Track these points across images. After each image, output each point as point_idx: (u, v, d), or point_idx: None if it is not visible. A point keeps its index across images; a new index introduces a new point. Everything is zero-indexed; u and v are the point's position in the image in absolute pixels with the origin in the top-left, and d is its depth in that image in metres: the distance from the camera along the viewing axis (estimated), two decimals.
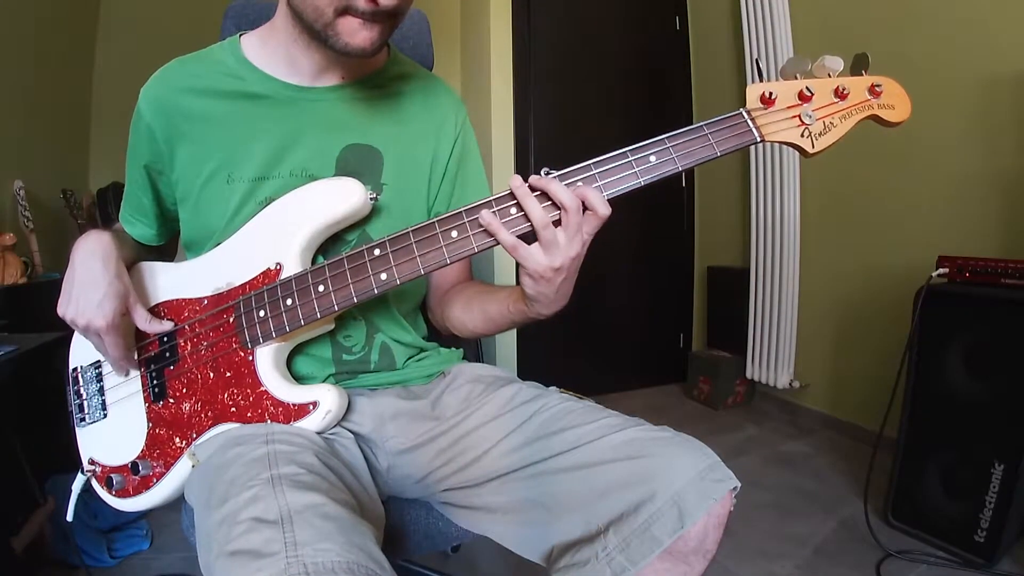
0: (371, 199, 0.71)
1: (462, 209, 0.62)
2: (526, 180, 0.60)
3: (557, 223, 0.60)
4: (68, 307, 0.67)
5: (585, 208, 0.59)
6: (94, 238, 0.70)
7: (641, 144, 0.60)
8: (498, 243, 0.61)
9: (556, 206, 0.59)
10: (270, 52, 0.74)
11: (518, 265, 0.62)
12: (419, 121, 0.80)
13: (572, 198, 0.58)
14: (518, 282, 0.67)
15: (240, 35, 0.77)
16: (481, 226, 0.61)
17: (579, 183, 0.60)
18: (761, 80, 0.62)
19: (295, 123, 0.74)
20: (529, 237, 0.61)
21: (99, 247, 0.69)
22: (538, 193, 0.60)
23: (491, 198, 0.62)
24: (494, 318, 0.75)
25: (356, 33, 0.63)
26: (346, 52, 0.65)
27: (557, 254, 0.60)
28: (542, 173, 0.60)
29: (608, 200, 0.60)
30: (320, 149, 0.74)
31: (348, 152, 0.75)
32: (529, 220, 0.59)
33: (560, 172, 0.60)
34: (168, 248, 0.87)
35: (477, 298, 0.78)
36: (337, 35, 0.64)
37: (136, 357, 0.73)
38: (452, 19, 2.65)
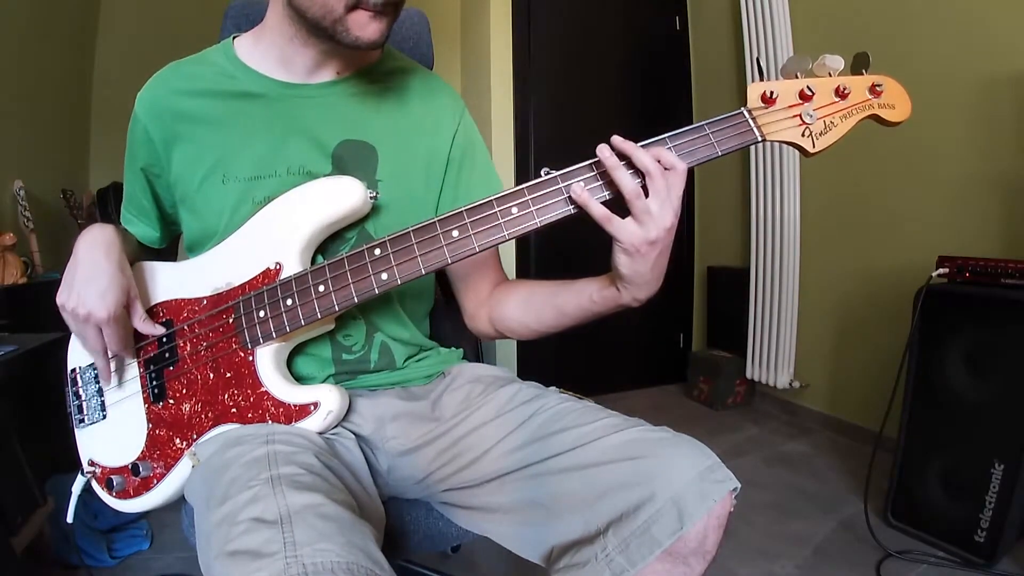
0: (371, 198, 0.71)
1: (463, 208, 0.62)
2: (527, 181, 0.60)
3: (645, 192, 0.58)
4: (69, 297, 0.66)
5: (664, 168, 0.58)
6: (98, 230, 0.70)
7: (643, 143, 0.60)
8: (574, 216, 0.60)
9: (637, 173, 0.58)
10: (263, 51, 0.74)
11: (612, 245, 0.61)
12: (414, 115, 0.80)
13: (652, 161, 0.57)
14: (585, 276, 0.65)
15: (233, 37, 0.78)
16: (482, 226, 0.61)
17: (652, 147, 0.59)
18: (762, 79, 0.62)
19: (289, 120, 0.74)
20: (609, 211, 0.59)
21: (103, 239, 0.69)
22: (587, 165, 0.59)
23: (500, 195, 0.61)
24: (569, 312, 0.72)
25: (366, 26, 0.64)
26: (356, 46, 0.65)
27: (651, 225, 0.58)
28: (542, 173, 0.60)
29: (610, 199, 0.60)
30: (315, 146, 0.74)
31: (343, 148, 0.75)
32: (616, 190, 0.58)
33: (561, 172, 0.60)
34: (168, 252, 0.87)
35: (540, 295, 0.75)
36: (347, 30, 0.64)
37: (137, 355, 0.73)
38: (452, 19, 2.65)
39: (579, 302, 0.70)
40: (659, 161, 0.58)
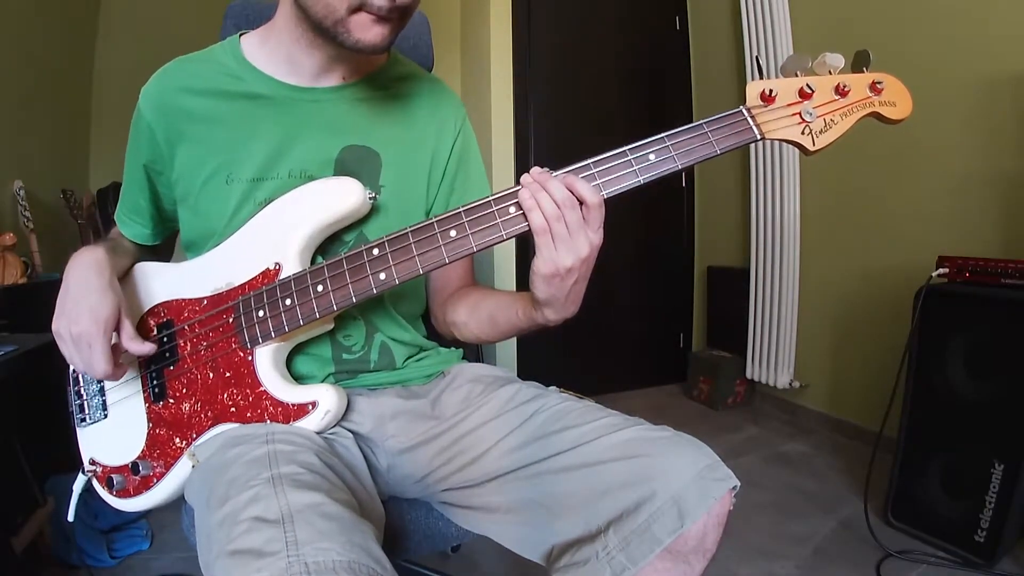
0: (370, 199, 0.71)
1: (461, 209, 0.62)
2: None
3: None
4: (61, 319, 0.65)
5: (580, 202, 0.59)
6: (87, 253, 0.70)
7: (641, 143, 0.60)
8: (516, 232, 0.61)
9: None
10: (270, 52, 0.74)
11: (530, 270, 0.62)
12: (419, 122, 0.80)
13: (563, 192, 0.58)
14: (524, 289, 0.65)
15: (240, 35, 0.77)
16: (480, 225, 0.61)
17: (565, 174, 0.60)
18: (761, 77, 0.62)
19: (294, 124, 0.74)
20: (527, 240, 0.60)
21: (92, 261, 0.69)
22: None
23: (497, 194, 0.62)
24: (500, 324, 0.74)
25: (368, 29, 0.63)
26: (357, 48, 0.64)
27: (566, 253, 0.59)
28: None
29: (608, 199, 0.60)
30: (318, 150, 0.74)
31: (346, 153, 0.75)
32: (541, 212, 0.59)
33: (559, 172, 0.60)
34: (163, 249, 0.87)
35: (483, 303, 0.77)
36: (348, 32, 0.63)
37: (131, 368, 0.73)
38: (452, 19, 2.65)
39: (508, 316, 0.72)
40: (571, 191, 0.58)
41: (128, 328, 0.68)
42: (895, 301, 1.71)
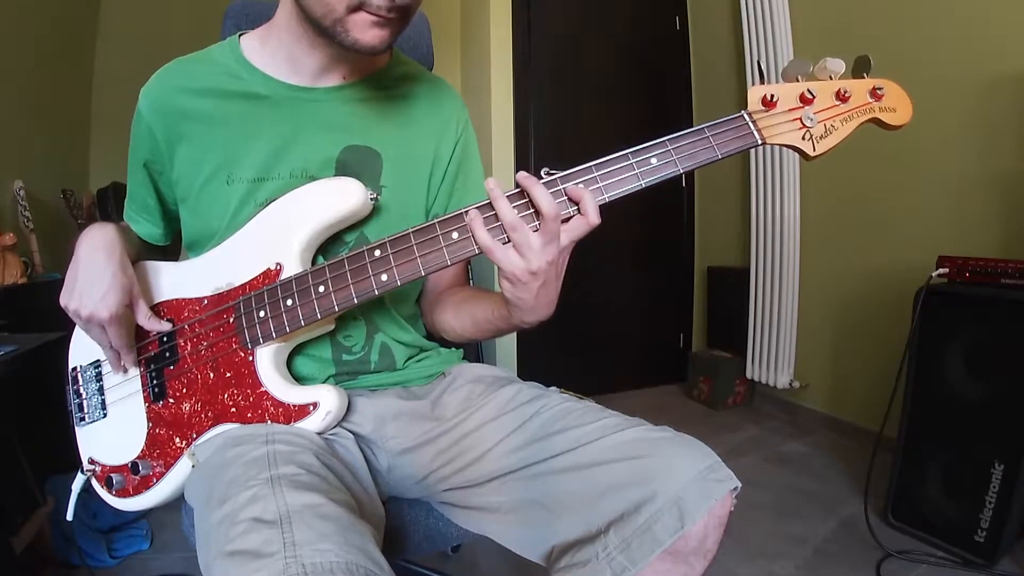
0: (371, 199, 0.71)
1: (463, 211, 0.62)
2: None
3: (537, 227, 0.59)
4: (72, 299, 0.67)
5: (579, 210, 0.58)
6: (98, 230, 0.70)
7: (642, 146, 0.60)
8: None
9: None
10: (270, 52, 0.74)
11: (497, 269, 0.61)
12: (421, 123, 0.80)
13: (552, 206, 0.57)
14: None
15: (239, 35, 0.77)
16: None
17: (580, 185, 0.60)
18: (763, 82, 0.62)
19: (294, 124, 0.73)
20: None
21: (103, 239, 0.69)
22: (518, 191, 0.59)
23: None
24: (480, 324, 0.74)
25: (367, 30, 0.63)
26: (355, 48, 0.64)
27: (532, 257, 0.58)
28: (543, 173, 0.60)
29: (609, 201, 0.60)
30: (319, 150, 0.74)
31: (347, 153, 0.75)
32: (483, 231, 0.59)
33: (561, 173, 0.60)
34: (173, 249, 0.87)
35: (467, 303, 0.77)
36: (347, 31, 0.63)
37: (137, 356, 0.73)
38: (452, 19, 2.66)
39: (487, 316, 0.72)
40: (579, 203, 0.58)
41: (143, 308, 0.71)
42: (895, 301, 1.71)
